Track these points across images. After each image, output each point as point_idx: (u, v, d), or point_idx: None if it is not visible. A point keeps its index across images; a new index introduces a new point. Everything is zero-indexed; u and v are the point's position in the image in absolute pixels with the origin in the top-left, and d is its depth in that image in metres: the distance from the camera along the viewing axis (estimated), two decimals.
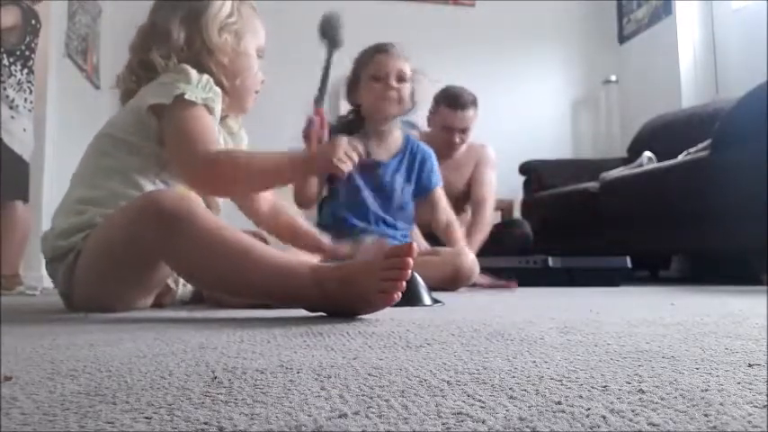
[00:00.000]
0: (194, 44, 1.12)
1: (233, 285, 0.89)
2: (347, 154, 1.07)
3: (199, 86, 1.06)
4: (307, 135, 1.50)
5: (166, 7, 1.15)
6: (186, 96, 1.03)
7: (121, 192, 1.03)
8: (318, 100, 1.48)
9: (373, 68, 1.84)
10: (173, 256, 0.89)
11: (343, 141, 1.08)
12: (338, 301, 0.83)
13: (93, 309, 0.98)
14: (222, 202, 1.25)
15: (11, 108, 2.13)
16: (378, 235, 1.70)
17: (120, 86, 1.17)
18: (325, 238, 1.32)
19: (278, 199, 1.34)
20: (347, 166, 1.07)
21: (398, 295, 0.80)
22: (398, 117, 1.89)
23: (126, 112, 1.11)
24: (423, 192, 1.96)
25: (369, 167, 1.70)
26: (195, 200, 0.90)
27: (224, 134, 1.22)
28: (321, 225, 1.91)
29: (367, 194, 1.87)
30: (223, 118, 1.21)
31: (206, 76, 1.09)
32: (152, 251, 0.90)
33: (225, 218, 1.24)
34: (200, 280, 0.95)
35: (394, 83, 1.82)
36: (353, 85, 1.90)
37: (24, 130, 2.18)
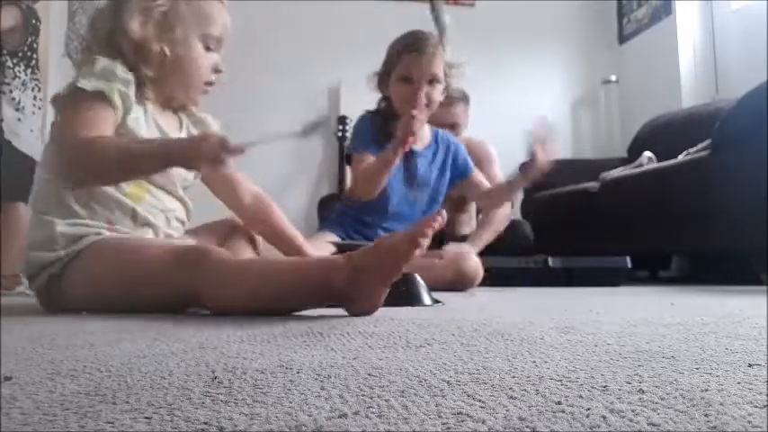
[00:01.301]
0: (115, 33, 1.07)
1: (278, 301, 0.89)
2: (223, 149, 0.92)
3: (98, 74, 1.01)
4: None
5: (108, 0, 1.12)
6: (78, 84, 0.99)
7: (75, 198, 1.02)
8: None
9: (402, 69, 1.76)
10: (213, 300, 0.90)
11: (215, 138, 0.94)
12: (369, 264, 0.83)
13: (88, 309, 0.98)
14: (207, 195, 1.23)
15: (17, 110, 2.13)
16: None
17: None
18: (308, 247, 1.28)
19: (264, 192, 1.28)
20: (220, 166, 0.94)
21: (425, 243, 0.80)
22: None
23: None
24: (462, 176, 1.95)
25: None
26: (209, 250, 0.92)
27: (188, 123, 1.19)
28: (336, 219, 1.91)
29: (393, 194, 1.84)
30: (183, 107, 1.18)
31: (114, 64, 1.03)
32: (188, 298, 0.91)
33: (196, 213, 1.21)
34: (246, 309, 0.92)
35: (424, 87, 1.75)
36: (384, 78, 1.83)
37: (31, 131, 2.19)
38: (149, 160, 0.97)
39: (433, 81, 1.76)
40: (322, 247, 1.46)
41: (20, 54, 2.17)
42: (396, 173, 1.82)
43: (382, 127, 1.80)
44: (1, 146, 2.06)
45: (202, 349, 0.54)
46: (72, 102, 1.01)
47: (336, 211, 2.00)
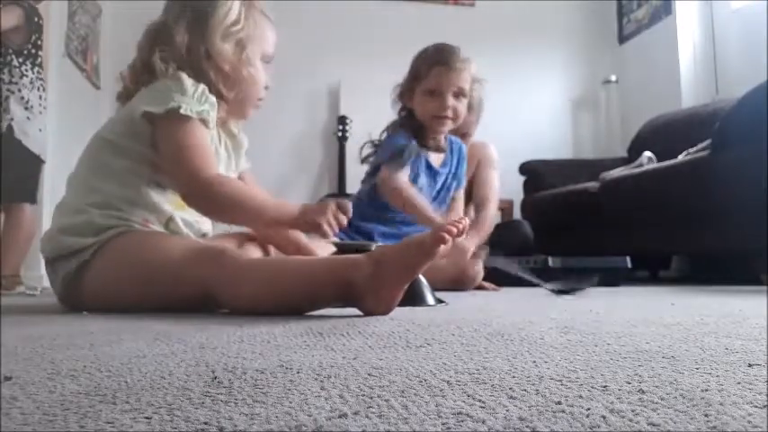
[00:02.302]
0: (196, 50, 1.10)
1: (296, 298, 0.91)
2: (335, 218, 1.03)
3: (195, 97, 1.04)
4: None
5: (175, 9, 1.13)
6: (182, 111, 1.02)
7: (118, 194, 1.04)
8: None
9: (429, 83, 1.75)
10: (233, 297, 0.92)
11: (332, 205, 1.03)
12: (391, 260, 0.85)
13: (103, 308, 0.98)
14: None
15: (26, 109, 2.13)
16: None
17: (120, 84, 1.17)
18: (304, 240, 1.30)
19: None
20: (332, 231, 1.03)
21: (450, 241, 0.83)
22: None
23: (119, 115, 1.12)
24: (455, 188, 1.96)
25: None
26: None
27: (224, 138, 1.21)
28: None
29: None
30: (224, 122, 1.21)
31: (202, 86, 1.07)
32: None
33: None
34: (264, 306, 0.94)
35: (450, 100, 1.75)
36: (408, 91, 1.82)
37: (40, 130, 2.20)
38: (268, 217, 1.07)
39: (459, 95, 1.77)
40: (322, 246, 1.46)
41: (25, 52, 2.18)
42: (424, 183, 1.85)
43: (415, 139, 1.81)
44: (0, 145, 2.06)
45: (202, 349, 0.54)
46: (176, 126, 1.04)
47: None
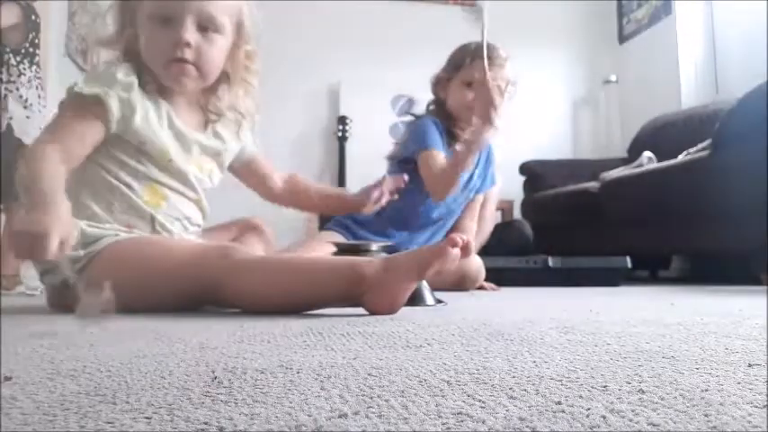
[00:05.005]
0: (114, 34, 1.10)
1: (299, 296, 0.91)
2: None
3: (103, 77, 1.01)
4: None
5: None
6: (75, 89, 1.00)
7: (96, 201, 1.03)
8: None
9: (469, 74, 1.77)
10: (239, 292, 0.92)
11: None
12: (401, 259, 0.88)
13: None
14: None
15: (25, 108, 2.13)
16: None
17: None
18: (350, 195, 1.34)
19: (294, 171, 1.34)
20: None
21: (455, 252, 0.85)
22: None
23: None
24: (482, 190, 1.94)
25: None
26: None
27: (180, 124, 1.11)
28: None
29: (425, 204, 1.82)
30: (213, 107, 1.15)
31: (118, 67, 1.03)
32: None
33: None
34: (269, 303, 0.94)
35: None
36: (444, 81, 1.84)
37: (40, 128, 2.20)
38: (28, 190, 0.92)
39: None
40: (324, 247, 1.46)
41: (22, 51, 2.18)
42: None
43: (447, 132, 1.81)
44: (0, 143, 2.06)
45: (202, 349, 0.54)
46: (66, 105, 1.03)
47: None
